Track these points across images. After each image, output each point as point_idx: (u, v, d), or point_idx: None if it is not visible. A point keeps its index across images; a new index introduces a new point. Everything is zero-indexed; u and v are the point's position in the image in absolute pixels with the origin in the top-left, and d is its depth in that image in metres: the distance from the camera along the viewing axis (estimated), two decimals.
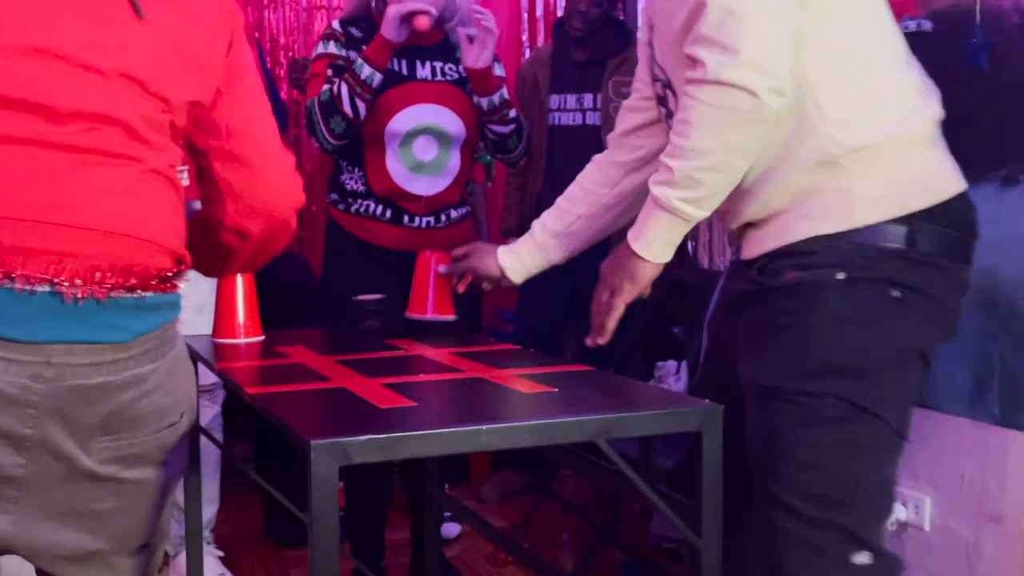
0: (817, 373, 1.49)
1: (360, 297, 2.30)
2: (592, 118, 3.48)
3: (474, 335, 2.38)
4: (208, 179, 1.49)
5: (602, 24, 3.48)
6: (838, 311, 1.49)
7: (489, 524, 2.33)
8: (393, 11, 2.40)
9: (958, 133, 2.40)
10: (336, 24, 2.57)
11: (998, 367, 2.34)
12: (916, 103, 1.54)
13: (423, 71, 2.54)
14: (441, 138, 2.53)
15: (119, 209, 1.28)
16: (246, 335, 2.05)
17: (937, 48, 2.46)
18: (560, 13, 4.06)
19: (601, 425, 1.41)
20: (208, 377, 2.44)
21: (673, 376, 2.96)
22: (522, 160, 2.84)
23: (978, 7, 2.32)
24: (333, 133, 2.45)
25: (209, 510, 2.66)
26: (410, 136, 2.50)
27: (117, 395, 1.27)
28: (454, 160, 2.57)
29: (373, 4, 2.56)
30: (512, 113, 2.58)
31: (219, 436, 2.65)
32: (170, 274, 1.34)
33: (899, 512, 2.57)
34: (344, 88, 2.42)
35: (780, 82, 1.42)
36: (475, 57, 2.45)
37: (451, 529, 3.24)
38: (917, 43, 2.48)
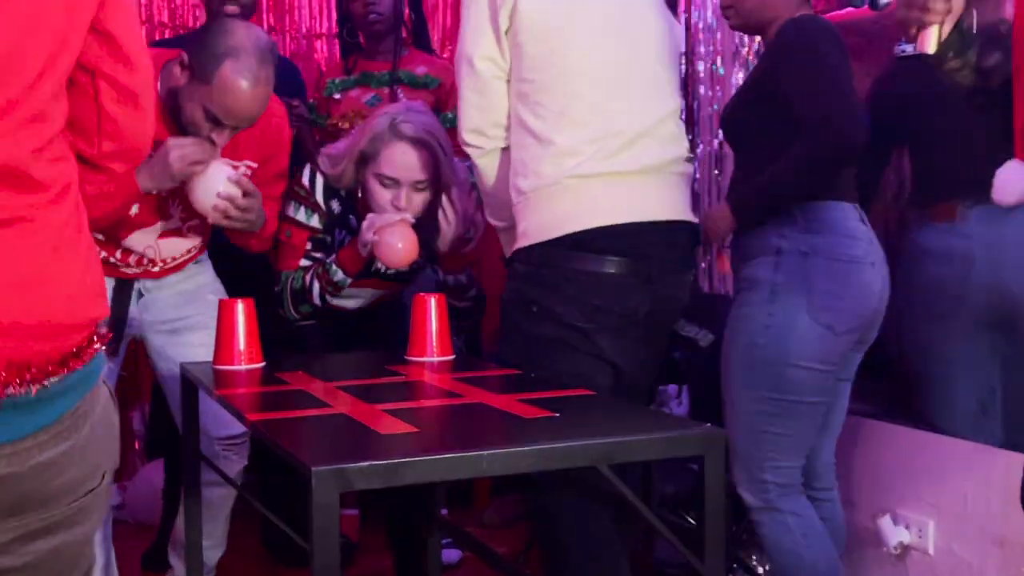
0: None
1: (303, 323, 2.52)
2: None
3: (474, 360, 2.38)
4: (85, 104, 1.24)
5: None
6: (509, 319, 2.15)
7: (491, 550, 2.32)
8: (366, 236, 2.38)
9: (958, 155, 2.41)
10: (319, 192, 2.52)
11: (1000, 389, 2.34)
12: (573, 164, 2.05)
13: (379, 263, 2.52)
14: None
15: (5, 295, 1.08)
16: (247, 362, 2.05)
17: (934, 71, 2.47)
18: None
19: (603, 450, 1.40)
20: (232, 428, 2.38)
21: (674, 400, 2.96)
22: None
23: (975, 31, 2.33)
24: (300, 313, 2.54)
25: (216, 553, 2.61)
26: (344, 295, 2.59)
27: (24, 483, 1.14)
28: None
29: (360, 192, 2.53)
30: (473, 292, 2.59)
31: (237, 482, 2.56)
32: (82, 347, 1.16)
33: (902, 535, 2.56)
34: (316, 285, 2.48)
35: (466, 137, 2.17)
36: (440, 238, 2.49)
37: (452, 555, 3.22)
38: (915, 67, 2.51)
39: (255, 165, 2.36)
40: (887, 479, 2.07)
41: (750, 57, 3.12)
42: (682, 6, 3.44)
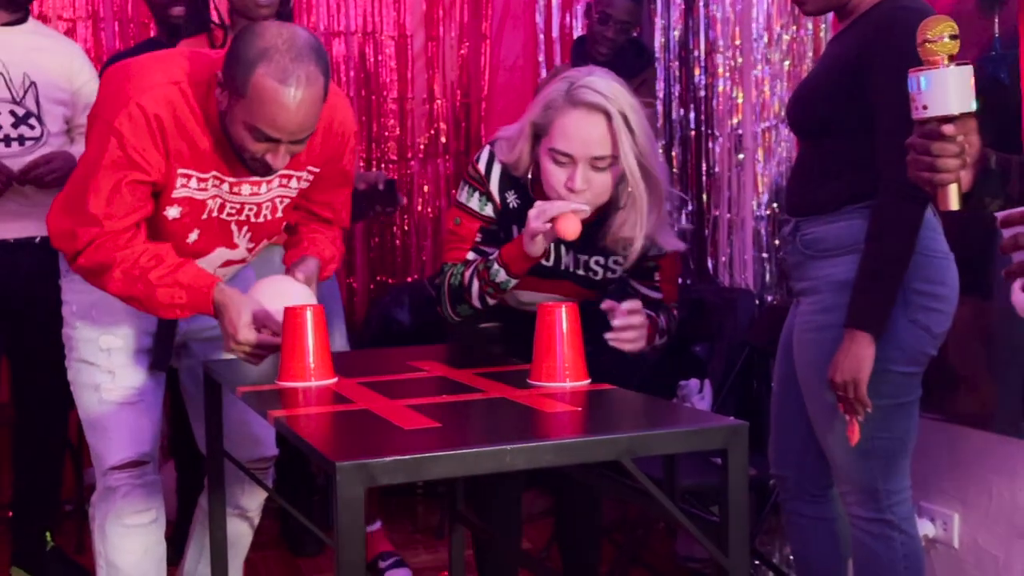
0: None
1: (483, 325, 2.31)
2: None
3: (495, 355, 2.37)
4: None
5: (623, 47, 3.48)
6: None
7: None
8: (535, 225, 2.05)
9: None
10: (494, 181, 2.20)
11: None
12: None
13: (567, 259, 2.23)
14: None
15: None
16: (317, 377, 1.82)
17: None
18: (576, 34, 4.08)
19: (626, 444, 1.40)
20: (256, 450, 2.24)
21: (696, 395, 2.95)
22: None
23: (996, 19, 2.32)
24: (458, 314, 2.26)
25: None
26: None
27: None
28: None
29: (529, 177, 2.20)
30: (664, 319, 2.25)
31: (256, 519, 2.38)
32: None
33: (927, 528, 2.55)
34: (476, 284, 2.17)
35: None
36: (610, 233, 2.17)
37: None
38: None
39: (317, 170, 2.10)
40: (912, 472, 2.05)
41: (770, 51, 3.10)
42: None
